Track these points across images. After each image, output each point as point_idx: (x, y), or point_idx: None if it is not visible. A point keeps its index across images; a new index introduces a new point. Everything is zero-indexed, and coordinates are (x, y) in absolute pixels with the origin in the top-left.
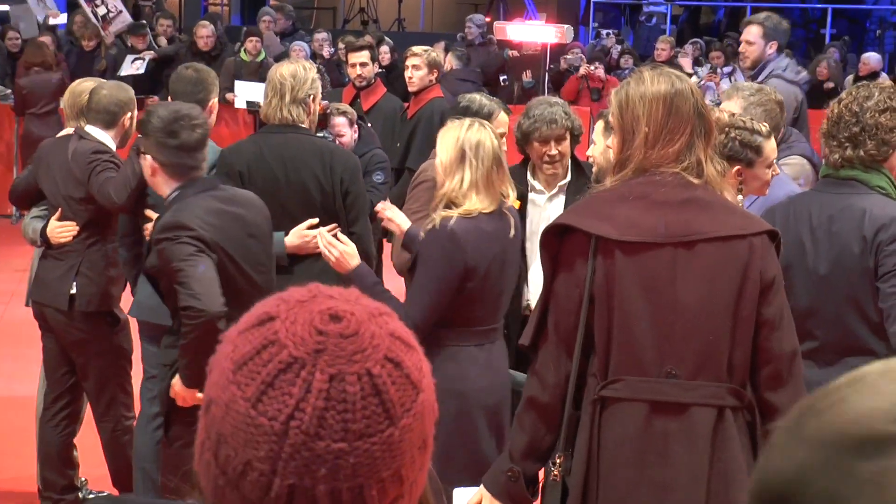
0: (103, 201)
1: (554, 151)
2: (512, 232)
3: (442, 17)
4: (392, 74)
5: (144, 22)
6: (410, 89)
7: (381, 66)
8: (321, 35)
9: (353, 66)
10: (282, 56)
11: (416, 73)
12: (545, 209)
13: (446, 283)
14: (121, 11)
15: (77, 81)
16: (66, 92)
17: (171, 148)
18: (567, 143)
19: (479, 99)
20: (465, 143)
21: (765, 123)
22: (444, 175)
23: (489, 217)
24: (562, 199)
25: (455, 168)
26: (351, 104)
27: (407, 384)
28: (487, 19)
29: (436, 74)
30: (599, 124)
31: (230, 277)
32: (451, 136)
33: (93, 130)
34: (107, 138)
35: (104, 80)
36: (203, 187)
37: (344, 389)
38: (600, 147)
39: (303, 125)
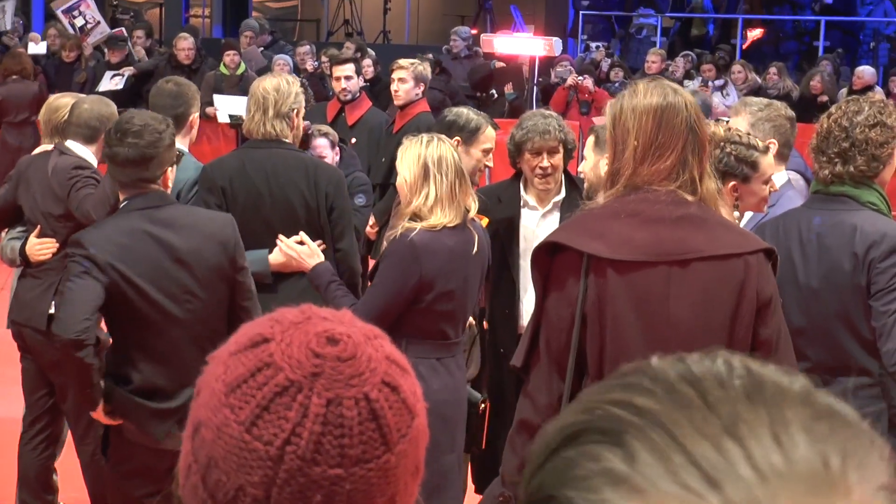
0: (82, 218)
1: (546, 164)
2: (475, 247)
3: (428, 29)
4: (376, 87)
5: (123, 34)
6: (396, 103)
7: (364, 80)
8: (304, 48)
9: (338, 79)
10: (264, 70)
11: (402, 87)
12: (538, 226)
13: (398, 293)
14: (98, 22)
15: (55, 97)
16: (44, 106)
17: (108, 158)
18: (560, 156)
19: (467, 113)
20: (427, 158)
21: (773, 140)
22: (409, 193)
23: (452, 231)
24: (556, 216)
25: (420, 185)
26: (335, 118)
27: (403, 409)
28: (474, 32)
29: (422, 88)
30: (591, 139)
31: (129, 303)
32: (413, 154)
33: (73, 146)
34: (88, 154)
35: (84, 95)
36: (143, 204)
37: (341, 414)
38: (591, 163)
39: (286, 140)
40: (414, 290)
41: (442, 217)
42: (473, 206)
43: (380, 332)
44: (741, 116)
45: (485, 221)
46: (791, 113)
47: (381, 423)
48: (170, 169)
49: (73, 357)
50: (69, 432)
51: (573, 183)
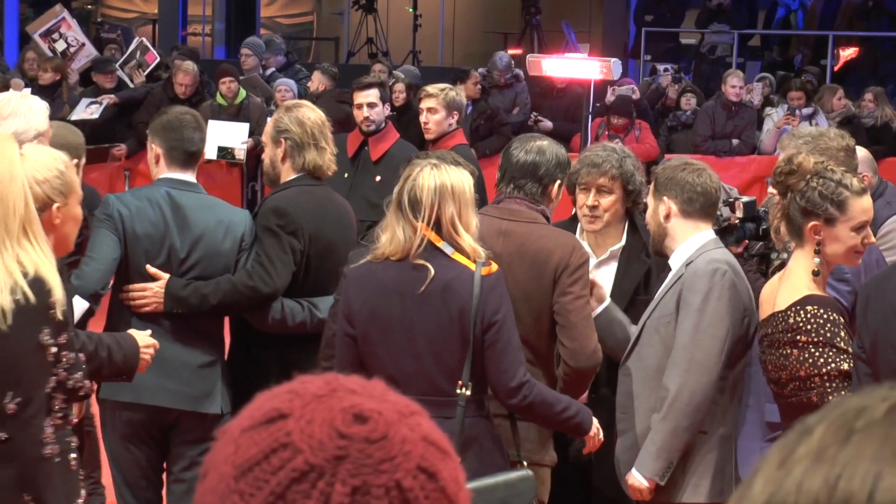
0: None
1: (592, 202)
2: (423, 287)
3: (465, 50)
4: (406, 117)
5: (113, 57)
6: (427, 137)
7: (393, 108)
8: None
9: (360, 107)
10: (270, 97)
11: (432, 118)
12: (593, 275)
13: (342, 327)
14: (83, 44)
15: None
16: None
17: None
18: (614, 197)
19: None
20: (402, 180)
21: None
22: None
23: (395, 265)
24: (613, 266)
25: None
26: (357, 153)
27: (442, 499)
28: (518, 52)
29: (457, 117)
30: (652, 185)
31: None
32: (403, 172)
33: None
34: None
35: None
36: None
37: None
38: (650, 210)
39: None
40: (349, 323)
41: (383, 246)
42: (466, 242)
43: (417, 408)
44: (786, 153)
45: (486, 269)
46: (849, 142)
47: None
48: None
49: None
50: None
51: (636, 229)
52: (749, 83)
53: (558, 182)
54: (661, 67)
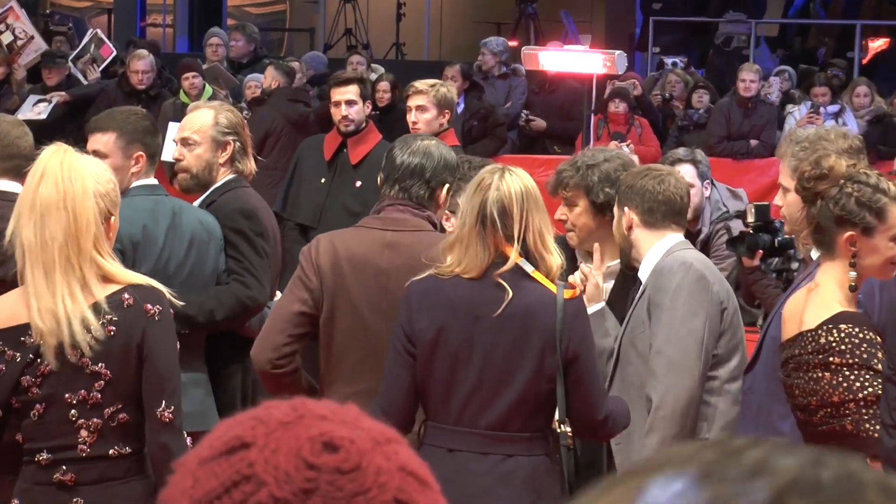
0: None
1: (559, 215)
2: (500, 310)
3: (453, 42)
4: (390, 116)
5: (61, 51)
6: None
7: (375, 108)
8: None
9: (338, 104)
10: (236, 92)
11: (421, 117)
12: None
13: (395, 353)
14: (32, 37)
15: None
16: None
17: None
18: (579, 209)
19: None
20: (468, 192)
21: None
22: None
23: (467, 283)
24: (608, 286)
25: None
26: (335, 156)
27: None
28: (513, 44)
29: (448, 116)
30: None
31: None
32: (474, 182)
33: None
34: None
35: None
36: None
37: None
38: (615, 221)
39: None
40: (410, 342)
41: (453, 264)
42: (552, 262)
43: (394, 436)
44: (785, 160)
45: (568, 292)
46: (853, 142)
47: None
48: None
49: None
50: None
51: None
52: (767, 78)
53: (447, 186)
54: (669, 60)
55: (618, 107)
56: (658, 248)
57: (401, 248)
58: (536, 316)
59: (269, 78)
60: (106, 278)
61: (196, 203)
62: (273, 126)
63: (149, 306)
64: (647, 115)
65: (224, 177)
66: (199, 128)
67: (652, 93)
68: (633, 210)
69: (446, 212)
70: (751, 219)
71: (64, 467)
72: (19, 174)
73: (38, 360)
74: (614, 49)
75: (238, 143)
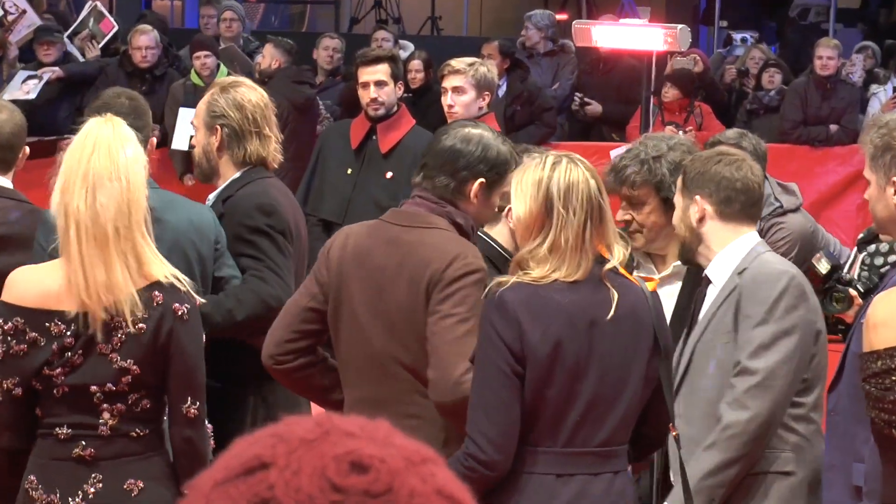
0: None
1: (622, 216)
2: (611, 312)
3: (495, 15)
4: (424, 99)
5: (56, 25)
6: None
7: (407, 89)
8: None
9: (366, 86)
10: (249, 71)
11: (458, 99)
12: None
13: (501, 376)
14: (24, 11)
15: None
16: None
17: None
18: (649, 208)
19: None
20: (552, 187)
21: None
22: (521, 235)
23: (569, 287)
24: (675, 286)
25: (538, 225)
26: (363, 143)
27: None
28: (563, 17)
29: (488, 99)
30: (679, 180)
31: None
32: (530, 180)
33: None
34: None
35: None
36: None
37: None
38: (679, 211)
39: None
40: (518, 361)
41: (552, 269)
42: (617, 254)
43: (430, 455)
44: (869, 148)
45: (651, 284)
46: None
47: None
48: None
49: None
50: None
51: None
52: (848, 55)
53: (480, 181)
54: (737, 36)
55: (667, 93)
56: (736, 246)
57: (400, 246)
58: (640, 315)
59: (268, 57)
60: (145, 267)
61: (211, 197)
62: (278, 112)
63: (177, 306)
64: (710, 96)
65: (229, 167)
66: (198, 111)
67: (725, 66)
68: (707, 199)
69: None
70: (825, 266)
71: (84, 443)
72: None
73: (68, 354)
74: (676, 23)
75: (226, 129)
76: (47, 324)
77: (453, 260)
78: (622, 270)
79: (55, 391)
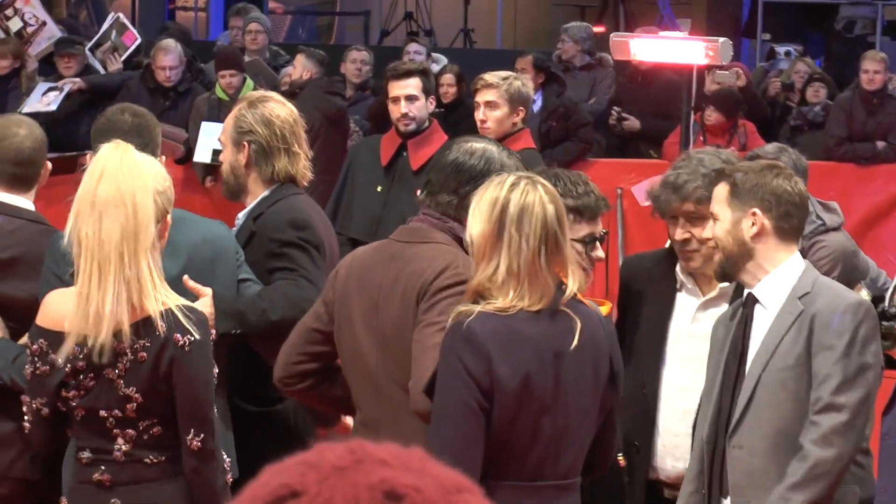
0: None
1: (680, 235)
2: (574, 341)
3: (529, 28)
4: (456, 114)
5: (77, 39)
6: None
7: (439, 104)
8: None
9: (396, 100)
10: (272, 84)
11: (491, 114)
12: (697, 319)
13: (466, 410)
14: (44, 23)
15: None
16: None
17: None
18: (713, 223)
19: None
20: (505, 209)
21: None
22: (476, 258)
23: (534, 317)
24: (721, 307)
25: (490, 248)
26: (393, 160)
27: None
28: (599, 30)
29: (522, 114)
30: (721, 190)
31: None
32: (487, 200)
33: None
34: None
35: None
36: None
37: None
38: (725, 223)
39: None
40: (485, 396)
41: (516, 298)
42: (574, 282)
43: (466, 484)
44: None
45: (604, 308)
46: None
47: None
48: None
49: None
50: None
51: None
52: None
53: None
54: (781, 49)
55: (710, 117)
56: (788, 266)
57: (398, 262)
58: (599, 343)
59: (299, 67)
60: (145, 297)
61: (241, 216)
62: (309, 123)
63: (178, 336)
64: (752, 111)
65: (258, 185)
66: (225, 127)
67: (769, 79)
68: (766, 214)
69: None
70: (867, 297)
71: (102, 467)
72: (13, 185)
73: (80, 377)
74: (717, 35)
75: (253, 146)
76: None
77: (443, 270)
78: (580, 296)
79: (75, 414)
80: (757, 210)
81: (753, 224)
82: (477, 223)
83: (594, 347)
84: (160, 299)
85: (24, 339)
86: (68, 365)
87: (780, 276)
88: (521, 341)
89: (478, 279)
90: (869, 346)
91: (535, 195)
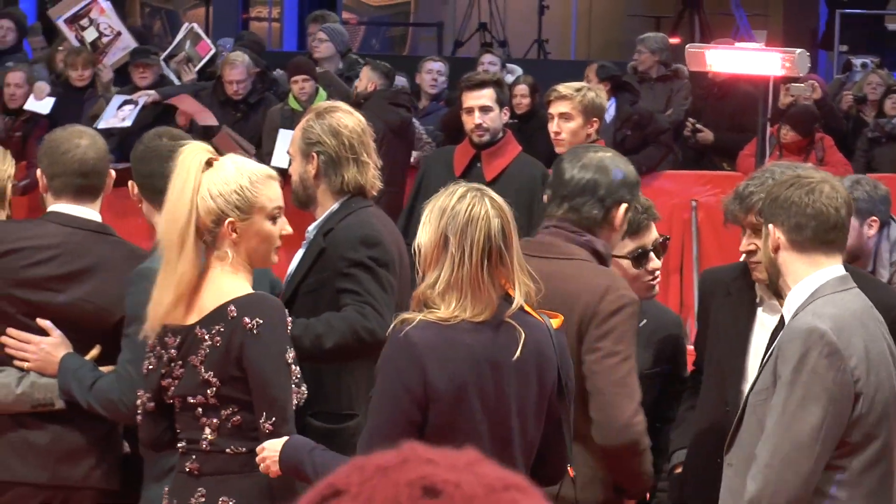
0: None
1: (745, 246)
2: (517, 353)
3: (603, 39)
4: (530, 125)
5: (154, 47)
6: (558, 150)
7: (513, 115)
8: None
9: (470, 111)
10: (344, 95)
11: (565, 126)
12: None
13: (401, 413)
14: (119, 33)
15: (57, 130)
16: (44, 146)
17: None
18: None
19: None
20: (450, 221)
21: None
22: (422, 267)
23: (476, 328)
24: None
25: (433, 258)
26: (467, 170)
27: None
28: (675, 41)
29: (596, 125)
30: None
31: None
32: (437, 208)
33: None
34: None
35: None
36: None
37: None
38: (763, 240)
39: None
40: (418, 407)
41: (458, 309)
42: (521, 295)
43: (518, 483)
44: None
45: (556, 321)
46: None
47: None
48: None
49: None
50: None
51: None
52: None
53: (624, 206)
54: (858, 61)
55: (786, 136)
56: (809, 281)
57: (538, 277)
58: (546, 354)
59: (364, 79)
60: (220, 285)
61: (311, 229)
62: (374, 135)
63: (247, 320)
64: (829, 124)
65: (327, 195)
66: (293, 139)
67: (843, 93)
68: (779, 227)
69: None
70: None
71: (193, 457)
72: (79, 195)
73: (173, 365)
74: (794, 47)
75: (322, 157)
76: (165, 338)
77: (605, 293)
78: (528, 308)
79: (175, 404)
80: (771, 224)
81: (772, 239)
82: (425, 232)
83: (540, 358)
84: (235, 285)
85: (94, 353)
86: (166, 355)
87: (798, 292)
88: (460, 351)
89: (422, 288)
90: (815, 374)
91: (482, 208)
